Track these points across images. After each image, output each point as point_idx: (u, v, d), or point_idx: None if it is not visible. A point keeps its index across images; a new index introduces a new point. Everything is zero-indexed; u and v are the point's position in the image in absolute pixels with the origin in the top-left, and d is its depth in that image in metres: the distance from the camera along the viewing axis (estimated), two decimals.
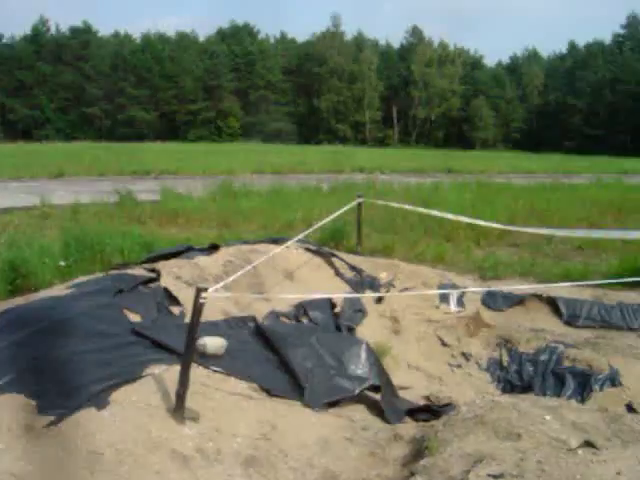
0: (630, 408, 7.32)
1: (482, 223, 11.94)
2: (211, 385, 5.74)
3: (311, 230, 10.54)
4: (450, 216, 12.40)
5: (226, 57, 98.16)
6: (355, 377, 6.31)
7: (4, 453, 4.63)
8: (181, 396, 5.15)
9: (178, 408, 5.16)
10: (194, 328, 5.12)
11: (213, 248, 9.08)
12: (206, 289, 5.09)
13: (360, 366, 6.43)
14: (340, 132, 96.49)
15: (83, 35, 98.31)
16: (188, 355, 5.19)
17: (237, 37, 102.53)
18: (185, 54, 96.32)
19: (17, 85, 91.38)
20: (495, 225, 12.07)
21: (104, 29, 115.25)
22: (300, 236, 9.66)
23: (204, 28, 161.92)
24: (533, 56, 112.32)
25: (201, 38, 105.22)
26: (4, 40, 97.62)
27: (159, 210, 16.39)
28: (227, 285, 6.34)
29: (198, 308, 5.06)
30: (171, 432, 5.03)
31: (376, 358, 6.71)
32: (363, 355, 6.54)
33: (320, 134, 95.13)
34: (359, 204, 11.60)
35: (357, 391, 6.19)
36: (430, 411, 6.45)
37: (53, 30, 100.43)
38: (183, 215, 15.65)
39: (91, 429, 4.86)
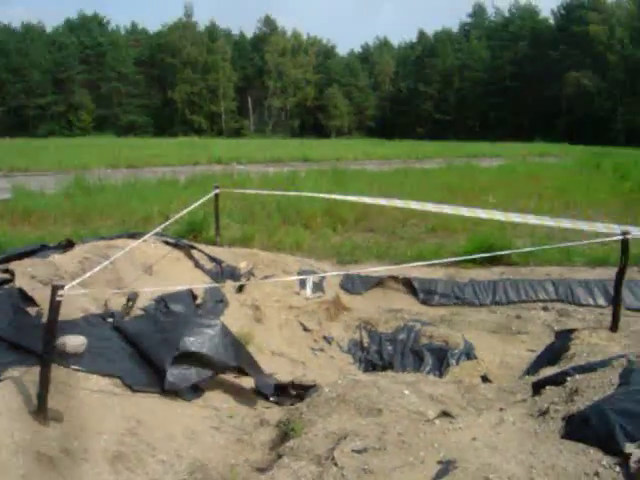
0: (485, 379, 7.73)
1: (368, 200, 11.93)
2: (73, 384, 5.67)
3: (168, 223, 10.54)
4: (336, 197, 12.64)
5: (75, 49, 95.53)
6: (213, 359, 6.34)
7: None
8: (42, 397, 5.08)
9: (40, 409, 5.08)
10: (52, 327, 5.06)
11: (68, 245, 8.88)
12: (62, 287, 5.03)
13: (217, 351, 6.46)
14: (196, 123, 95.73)
15: None
16: (47, 355, 5.12)
17: (86, 28, 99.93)
18: (32, 46, 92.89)
19: None
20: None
21: None
22: (157, 229, 9.60)
23: (51, 19, 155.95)
24: (384, 45, 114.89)
25: (49, 29, 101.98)
26: None
27: (10, 209, 15.84)
28: (84, 282, 6.27)
29: (55, 307, 4.99)
30: (35, 434, 4.95)
31: (234, 339, 6.77)
32: (218, 338, 6.56)
33: (175, 126, 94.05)
34: (216, 195, 11.61)
35: (212, 372, 6.29)
36: (295, 388, 6.61)
37: None
38: (36, 213, 15.18)
39: None
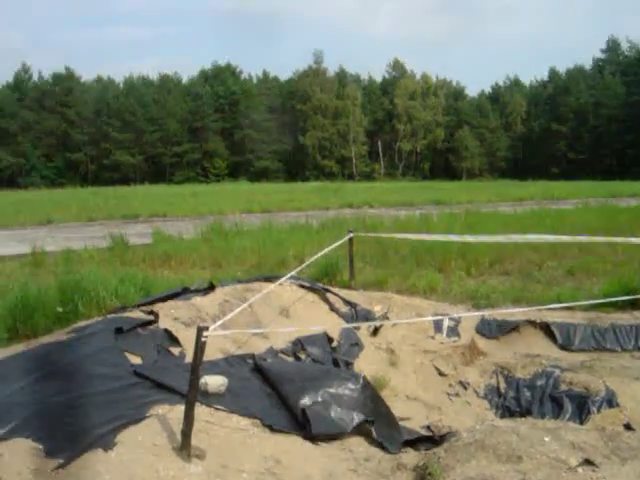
0: (628, 427, 7.42)
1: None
2: (215, 423, 5.81)
3: (304, 266, 10.66)
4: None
5: (210, 98, 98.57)
6: (352, 411, 6.36)
7: None
8: (186, 434, 5.22)
9: (184, 446, 5.22)
10: (197, 367, 5.21)
11: (209, 288, 9.18)
12: (207, 328, 5.19)
13: (356, 400, 6.48)
14: (326, 168, 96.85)
15: (66, 81, 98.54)
16: (192, 394, 5.26)
17: (220, 78, 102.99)
18: (169, 96, 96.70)
19: (1, 133, 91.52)
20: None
21: (87, 74, 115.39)
22: (293, 272, 9.77)
23: (187, 69, 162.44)
24: (515, 84, 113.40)
25: (184, 80, 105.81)
26: None
27: (151, 253, 16.43)
28: (225, 324, 6.44)
29: (200, 347, 5.15)
30: (178, 470, 5.08)
31: (373, 391, 6.77)
32: (359, 389, 6.59)
33: (307, 170, 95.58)
34: (350, 239, 11.72)
35: (352, 426, 6.24)
36: (431, 440, 6.54)
37: (36, 77, 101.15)
38: (175, 257, 15.68)
39: (99, 470, 4.89)
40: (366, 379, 6.76)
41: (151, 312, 7.89)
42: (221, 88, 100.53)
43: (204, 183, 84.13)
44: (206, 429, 5.64)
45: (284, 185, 69.63)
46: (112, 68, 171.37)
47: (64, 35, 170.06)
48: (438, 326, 9.54)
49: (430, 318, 9.68)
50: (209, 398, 6.02)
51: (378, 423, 6.42)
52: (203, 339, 5.13)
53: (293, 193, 47.23)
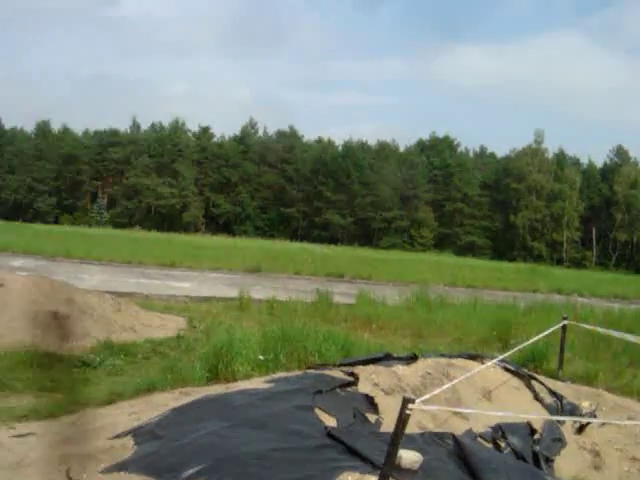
0: None
1: None
2: None
3: (515, 351, 10.04)
4: None
5: (424, 168, 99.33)
6: None
7: None
8: None
9: None
10: (397, 440, 4.92)
11: (411, 358, 8.88)
12: (413, 401, 4.89)
13: None
14: (535, 250, 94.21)
15: (288, 139, 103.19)
16: (387, 467, 4.97)
17: (436, 149, 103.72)
18: (385, 163, 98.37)
19: (223, 182, 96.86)
20: None
21: (308, 134, 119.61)
22: (503, 356, 9.25)
23: (404, 138, 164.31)
24: None
25: (401, 148, 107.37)
26: (215, 139, 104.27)
27: (353, 314, 16.41)
28: (428, 398, 6.12)
29: (404, 419, 4.86)
30: None
31: None
32: None
33: (514, 250, 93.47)
34: (563, 326, 11.05)
35: None
36: None
37: (261, 132, 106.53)
38: (376, 321, 15.55)
39: None
40: None
41: (351, 374, 7.70)
42: (437, 159, 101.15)
43: (409, 251, 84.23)
44: None
45: (490, 262, 68.36)
46: (332, 130, 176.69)
47: (291, 95, 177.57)
48: None
49: None
50: (401, 473, 5.66)
51: None
52: (407, 411, 4.84)
53: (500, 271, 46.15)
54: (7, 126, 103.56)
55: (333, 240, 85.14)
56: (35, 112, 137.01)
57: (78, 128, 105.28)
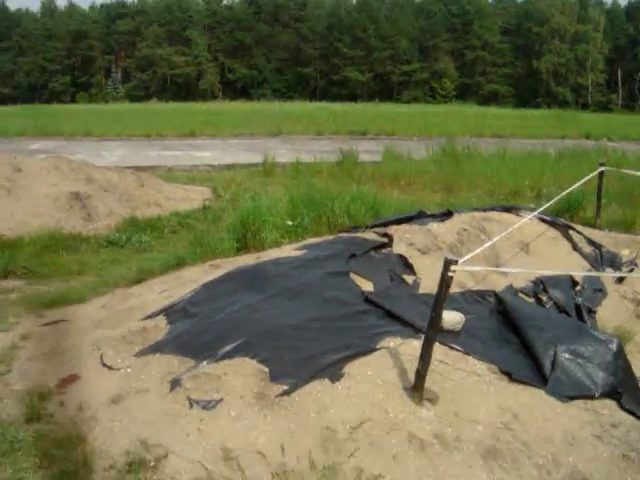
0: None
1: None
2: (449, 364, 5.33)
3: (552, 203, 9.61)
4: None
5: (443, 17, 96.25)
6: (600, 378, 5.55)
7: (236, 421, 4.52)
8: (421, 375, 4.80)
9: (417, 387, 4.82)
10: (440, 304, 4.67)
11: (446, 214, 8.58)
12: (456, 262, 4.60)
13: (607, 368, 5.63)
14: (560, 95, 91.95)
15: None
16: (431, 332, 4.77)
17: None
18: (401, 14, 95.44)
19: (236, 45, 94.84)
20: None
21: None
22: (541, 209, 8.88)
23: None
24: None
25: None
26: (224, 2, 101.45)
27: (380, 171, 16.07)
28: (462, 255, 5.87)
29: (446, 282, 4.59)
30: (409, 413, 4.70)
31: (625, 361, 5.88)
32: (612, 356, 5.73)
33: (538, 97, 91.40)
34: (600, 173, 10.62)
35: (598, 393, 5.45)
36: None
37: None
38: (404, 177, 15.22)
39: (325, 403, 4.64)
40: (620, 344, 5.86)
41: (385, 235, 7.43)
42: (455, 7, 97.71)
43: (431, 103, 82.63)
44: (439, 370, 5.18)
45: (515, 111, 66.94)
46: None
47: None
48: None
49: None
50: (444, 336, 5.48)
51: (628, 390, 5.60)
52: (450, 273, 4.56)
53: (525, 119, 45.19)
54: (12, 8, 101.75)
55: (352, 97, 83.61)
56: None
57: (85, 3, 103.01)
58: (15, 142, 26.74)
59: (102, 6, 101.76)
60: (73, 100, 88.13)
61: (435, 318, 4.72)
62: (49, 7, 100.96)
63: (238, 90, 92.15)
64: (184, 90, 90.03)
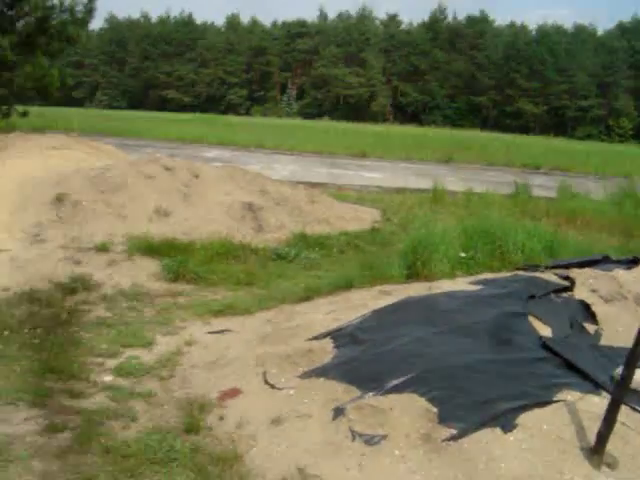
0: None
1: None
2: (631, 427, 4.85)
3: None
4: None
5: (624, 53, 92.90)
6: None
7: (400, 462, 4.28)
8: (604, 437, 4.34)
9: (597, 450, 4.36)
10: (635, 361, 4.25)
11: (632, 262, 8.03)
12: None
13: None
14: None
15: (479, 24, 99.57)
16: (619, 392, 4.34)
17: (639, 32, 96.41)
18: (581, 48, 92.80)
19: (410, 70, 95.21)
20: None
21: (500, 19, 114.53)
22: None
23: (602, 22, 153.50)
24: None
25: (599, 32, 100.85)
26: (402, 26, 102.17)
27: (555, 208, 15.45)
28: None
29: None
30: (584, 477, 4.26)
31: None
32: None
33: None
34: None
35: None
36: None
37: (450, 18, 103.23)
38: (582, 217, 14.54)
39: (494, 454, 4.30)
40: None
41: (567, 278, 7.01)
42: (638, 43, 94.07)
43: (606, 142, 79.73)
44: (620, 433, 4.70)
45: None
46: (525, 14, 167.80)
47: None
48: None
49: None
50: (628, 396, 5.02)
51: None
52: None
53: None
54: (198, 21, 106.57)
55: (524, 129, 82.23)
56: (225, 5, 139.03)
57: (266, 20, 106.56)
58: (192, 148, 27.79)
59: (283, 24, 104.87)
60: (248, 113, 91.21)
61: (627, 378, 4.31)
62: (233, 22, 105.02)
63: (409, 114, 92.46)
64: (355, 111, 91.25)
